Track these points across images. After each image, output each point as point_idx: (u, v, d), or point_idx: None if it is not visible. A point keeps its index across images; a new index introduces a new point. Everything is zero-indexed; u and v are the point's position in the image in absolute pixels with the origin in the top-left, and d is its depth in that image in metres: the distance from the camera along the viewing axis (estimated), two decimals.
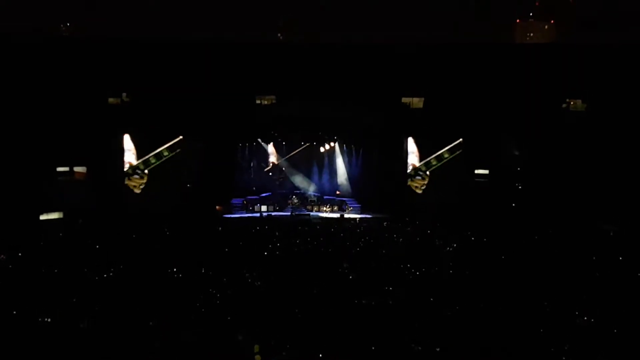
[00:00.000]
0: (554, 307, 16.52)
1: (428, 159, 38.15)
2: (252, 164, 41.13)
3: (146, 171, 36.87)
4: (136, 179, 36.76)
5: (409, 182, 38.33)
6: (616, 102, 35.63)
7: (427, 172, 38.16)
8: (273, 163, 40.83)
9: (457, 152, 37.80)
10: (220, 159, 38.11)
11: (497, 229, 30.94)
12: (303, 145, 40.82)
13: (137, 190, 36.76)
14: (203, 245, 25.56)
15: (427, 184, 38.31)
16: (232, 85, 37.31)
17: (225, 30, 40.20)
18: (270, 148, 40.96)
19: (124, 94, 38.39)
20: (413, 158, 38.30)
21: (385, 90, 37.91)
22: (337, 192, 41.64)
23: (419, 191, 38.34)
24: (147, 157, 36.89)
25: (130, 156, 36.77)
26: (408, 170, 38.34)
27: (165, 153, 37.14)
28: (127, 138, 36.73)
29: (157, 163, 37.07)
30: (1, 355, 13.34)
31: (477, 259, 23.29)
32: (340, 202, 40.04)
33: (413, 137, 38.34)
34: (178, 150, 37.13)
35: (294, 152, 40.94)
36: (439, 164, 38.15)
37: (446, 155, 38.07)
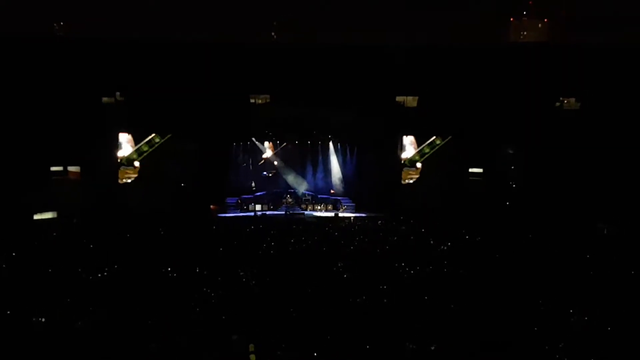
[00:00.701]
0: (548, 305, 16.57)
1: (420, 147, 38.39)
2: (245, 163, 41.14)
3: (136, 164, 36.99)
4: (130, 169, 36.82)
5: (403, 174, 38.52)
6: (610, 101, 35.71)
7: (418, 165, 38.40)
8: (265, 158, 40.83)
9: (448, 138, 38.03)
10: (214, 158, 38.09)
11: (492, 228, 31.06)
12: (293, 141, 40.99)
13: (128, 180, 36.83)
14: (198, 245, 25.56)
15: (419, 176, 38.55)
16: (226, 85, 37.26)
17: (219, 30, 40.15)
18: (265, 144, 40.99)
19: (118, 94, 38.31)
20: (410, 150, 38.43)
21: (380, 90, 37.92)
22: (332, 191, 41.67)
23: (407, 181, 38.52)
24: (138, 145, 36.91)
25: (128, 148, 36.81)
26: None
27: (157, 139, 37.14)
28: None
29: (150, 150, 37.08)
30: None
31: (472, 258, 23.36)
32: (335, 201, 40.07)
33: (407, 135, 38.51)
34: (169, 136, 37.15)
35: (280, 147, 41.07)
36: (431, 152, 38.38)
37: (438, 142, 38.31)
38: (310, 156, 41.55)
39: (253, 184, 40.88)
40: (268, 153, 41.04)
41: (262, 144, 40.96)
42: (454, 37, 40.78)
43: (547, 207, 33.60)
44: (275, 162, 41.05)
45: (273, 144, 41.08)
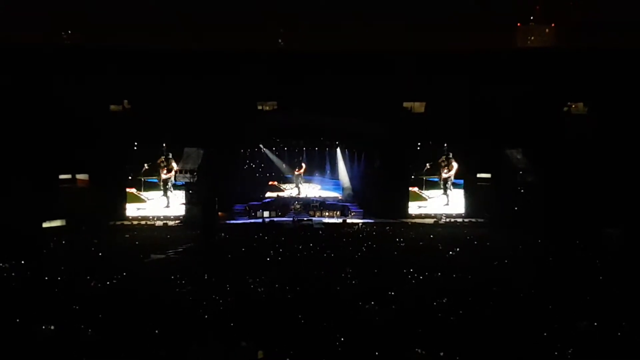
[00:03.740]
0: (557, 311, 16.49)
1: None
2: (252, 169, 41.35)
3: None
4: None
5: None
6: (618, 105, 35.61)
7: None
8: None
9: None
10: (222, 165, 38.13)
11: (500, 233, 31.01)
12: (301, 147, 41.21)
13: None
14: (206, 252, 25.58)
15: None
16: (234, 92, 37.36)
17: (226, 37, 40.38)
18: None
19: (126, 102, 38.46)
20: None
21: (387, 95, 37.92)
22: (340, 197, 41.67)
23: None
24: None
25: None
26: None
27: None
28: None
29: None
30: None
31: (481, 263, 23.29)
32: (343, 208, 39.99)
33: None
34: None
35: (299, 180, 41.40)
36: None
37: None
38: (319, 162, 41.74)
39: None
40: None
41: (270, 150, 41.07)
42: (460, 43, 40.76)
43: (556, 212, 33.45)
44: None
45: (279, 152, 41.22)
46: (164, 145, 36.68)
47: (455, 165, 37.95)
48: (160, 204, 37.05)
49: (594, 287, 19.17)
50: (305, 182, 41.96)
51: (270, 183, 41.42)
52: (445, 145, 38.00)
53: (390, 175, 38.63)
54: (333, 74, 37.54)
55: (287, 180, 41.95)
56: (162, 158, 36.63)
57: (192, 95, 36.66)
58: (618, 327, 14.92)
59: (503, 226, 33.21)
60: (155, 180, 36.99)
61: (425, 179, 38.42)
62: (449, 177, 38.17)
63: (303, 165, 41.51)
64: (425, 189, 38.51)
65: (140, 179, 36.85)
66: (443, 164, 38.06)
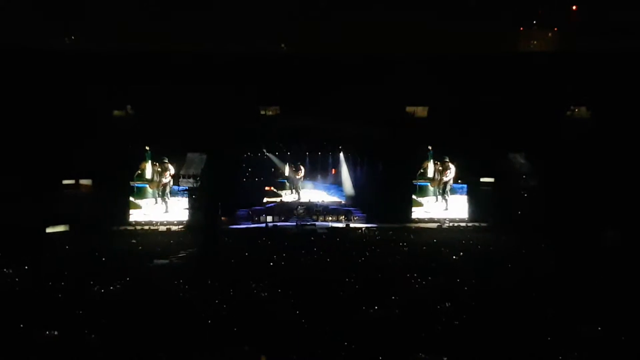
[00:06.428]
0: (561, 315, 16.46)
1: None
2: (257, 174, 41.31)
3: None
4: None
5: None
6: (621, 109, 35.55)
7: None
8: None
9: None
10: (225, 169, 38.11)
11: (504, 237, 30.98)
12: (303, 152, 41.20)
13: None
14: (209, 257, 25.58)
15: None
16: (236, 96, 37.33)
17: (228, 41, 40.42)
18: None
19: (129, 106, 38.45)
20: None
21: (390, 100, 37.87)
22: (342, 202, 41.61)
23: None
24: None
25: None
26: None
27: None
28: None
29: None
30: None
31: (484, 268, 23.26)
32: (346, 212, 39.92)
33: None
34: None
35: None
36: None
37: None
38: (323, 167, 41.72)
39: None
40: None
41: (274, 155, 41.06)
42: (463, 47, 40.69)
43: (559, 216, 33.40)
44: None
45: (282, 157, 41.13)
46: (147, 148, 36.51)
47: (452, 168, 37.86)
48: (159, 210, 36.93)
49: (597, 291, 19.13)
50: (309, 187, 41.84)
51: (266, 188, 41.25)
52: (429, 148, 37.90)
53: (393, 180, 38.59)
54: (335, 77, 37.49)
55: (282, 186, 41.77)
56: (145, 163, 36.46)
57: (195, 99, 36.63)
58: (621, 331, 14.89)
59: (506, 230, 33.07)
60: (145, 186, 36.75)
61: (418, 185, 38.35)
62: (447, 181, 38.07)
63: (302, 168, 41.41)
64: (418, 194, 38.41)
65: (132, 185, 36.68)
66: (440, 168, 37.99)
